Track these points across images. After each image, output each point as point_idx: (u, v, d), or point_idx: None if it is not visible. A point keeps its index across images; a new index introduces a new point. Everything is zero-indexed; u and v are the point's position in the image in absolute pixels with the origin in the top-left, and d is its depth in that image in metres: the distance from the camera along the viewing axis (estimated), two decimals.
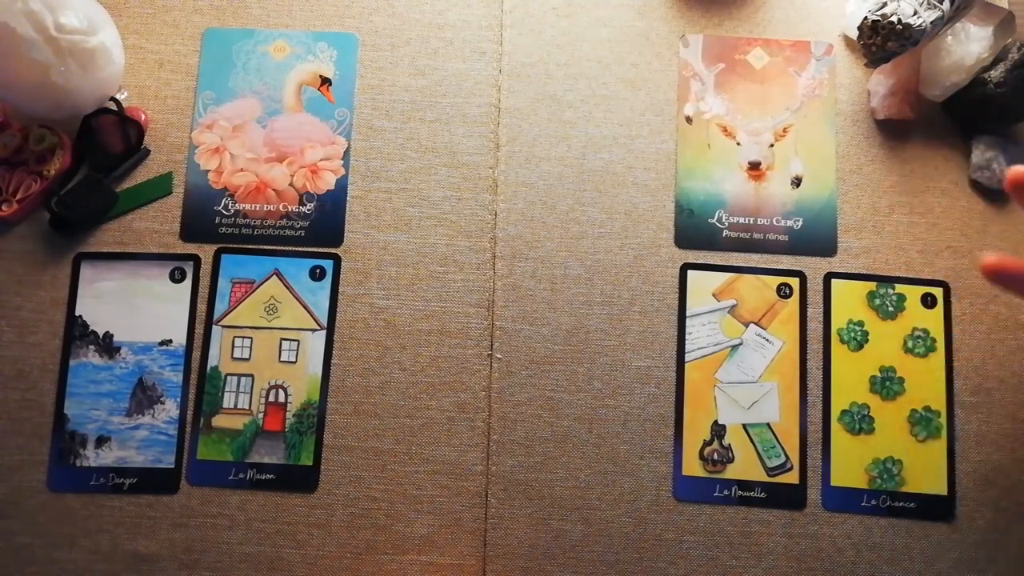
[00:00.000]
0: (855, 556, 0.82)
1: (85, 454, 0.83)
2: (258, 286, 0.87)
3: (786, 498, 0.83)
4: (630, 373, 0.86)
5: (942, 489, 0.83)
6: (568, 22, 0.95)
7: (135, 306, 0.86)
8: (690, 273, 0.88)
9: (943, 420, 0.85)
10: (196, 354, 0.85)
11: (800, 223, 0.90)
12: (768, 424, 0.85)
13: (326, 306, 0.87)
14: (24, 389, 0.84)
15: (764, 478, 0.83)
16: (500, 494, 0.83)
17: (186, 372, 0.85)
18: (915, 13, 0.82)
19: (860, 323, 0.87)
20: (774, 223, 0.90)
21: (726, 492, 0.83)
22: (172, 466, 0.83)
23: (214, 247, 0.88)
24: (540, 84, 0.93)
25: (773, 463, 0.84)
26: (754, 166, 0.91)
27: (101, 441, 0.83)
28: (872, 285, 0.88)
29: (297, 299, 0.87)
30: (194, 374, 0.85)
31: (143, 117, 0.91)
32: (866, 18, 0.84)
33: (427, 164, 0.91)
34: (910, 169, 0.92)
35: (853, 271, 0.89)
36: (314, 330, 0.86)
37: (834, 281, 0.88)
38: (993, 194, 0.91)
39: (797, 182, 0.91)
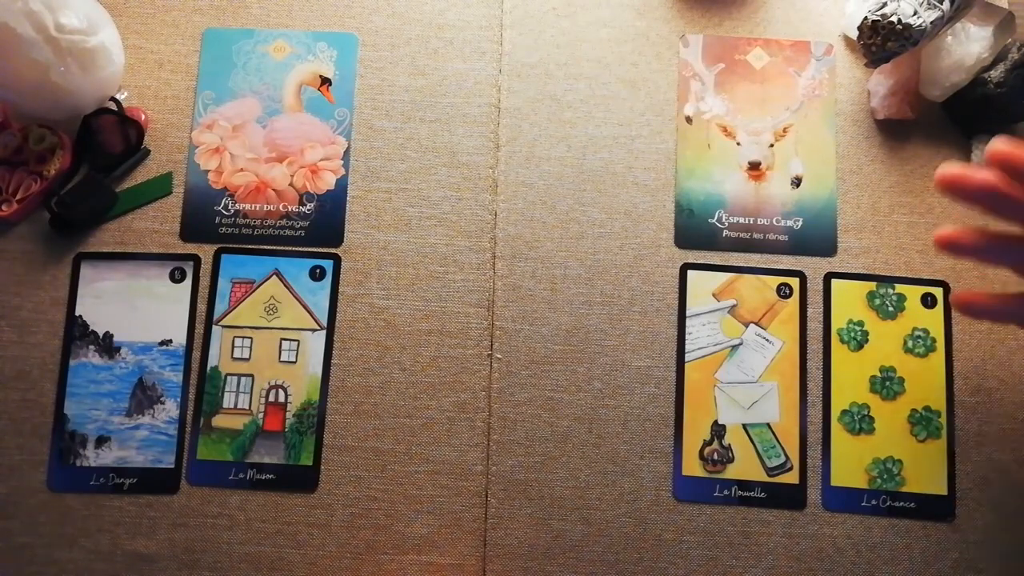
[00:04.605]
0: (855, 556, 0.82)
1: (85, 454, 0.83)
2: (258, 286, 0.87)
3: (786, 498, 0.83)
4: (630, 373, 0.86)
5: (942, 489, 0.83)
6: (568, 22, 0.95)
7: (135, 306, 0.86)
8: (690, 273, 0.88)
9: (943, 420, 0.85)
10: (196, 354, 0.85)
11: (800, 223, 0.90)
12: (768, 424, 0.85)
13: (326, 306, 0.87)
14: (24, 389, 0.84)
15: (764, 478, 0.83)
16: (500, 494, 0.83)
17: (186, 372, 0.85)
18: (915, 13, 0.82)
19: (860, 323, 0.87)
20: (774, 223, 0.90)
21: (726, 492, 0.83)
22: (172, 466, 0.83)
23: (214, 247, 0.88)
24: (540, 84, 0.93)
25: (773, 463, 0.84)
26: (754, 166, 0.91)
27: (101, 441, 0.83)
28: (872, 285, 0.88)
29: (297, 299, 0.87)
30: (194, 374, 0.85)
31: (143, 117, 0.91)
32: (866, 18, 0.84)
33: (427, 164, 0.91)
34: (910, 169, 0.92)
35: (853, 271, 0.89)
36: (314, 330, 0.86)
37: (834, 281, 0.88)
38: None
39: (797, 182, 0.91)
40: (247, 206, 0.89)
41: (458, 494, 0.83)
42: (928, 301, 0.88)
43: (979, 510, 0.83)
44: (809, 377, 0.86)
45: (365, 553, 0.82)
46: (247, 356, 0.86)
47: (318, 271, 0.88)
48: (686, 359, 0.86)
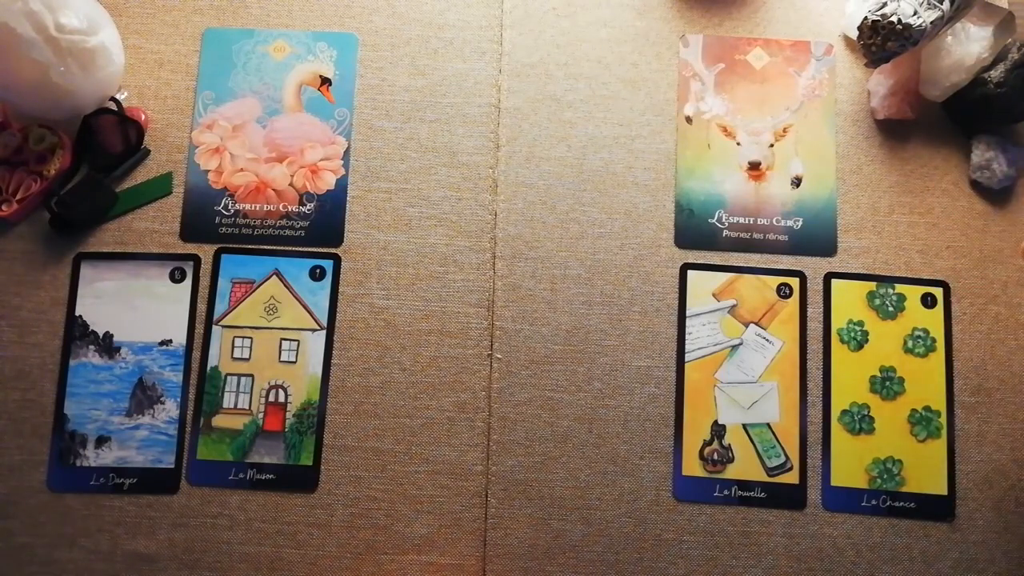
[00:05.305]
0: (855, 556, 0.82)
1: (85, 454, 0.83)
2: (258, 286, 0.87)
3: (786, 498, 0.83)
4: (630, 373, 0.86)
5: (942, 489, 0.83)
6: (568, 22, 0.95)
7: (135, 306, 0.86)
8: (690, 273, 0.88)
9: (943, 420, 0.85)
10: (196, 354, 0.85)
11: (800, 223, 0.90)
12: (768, 424, 0.85)
13: (326, 306, 0.87)
14: (24, 389, 0.84)
15: (764, 478, 0.83)
16: (500, 494, 0.83)
17: (186, 372, 0.85)
18: (915, 13, 0.82)
19: (860, 323, 0.87)
20: (774, 223, 0.90)
21: (726, 492, 0.83)
22: (172, 466, 0.83)
23: (214, 247, 0.88)
24: (540, 84, 0.93)
25: (773, 463, 0.84)
26: (754, 166, 0.91)
27: (101, 441, 0.83)
28: (872, 285, 0.88)
29: (297, 299, 0.87)
30: (194, 374, 0.85)
31: (143, 117, 0.91)
32: (866, 18, 0.84)
33: (427, 164, 0.91)
34: (910, 169, 0.92)
35: (853, 271, 0.89)
36: (314, 330, 0.86)
37: (834, 281, 0.88)
38: (993, 194, 0.91)
39: (797, 182, 0.91)
40: (247, 206, 0.89)
41: (458, 494, 0.83)
42: (928, 301, 0.88)
43: (979, 510, 0.83)
44: (809, 377, 0.86)
45: (365, 553, 0.82)
46: (247, 356, 0.86)
47: (318, 271, 0.88)
48: (686, 359, 0.86)
